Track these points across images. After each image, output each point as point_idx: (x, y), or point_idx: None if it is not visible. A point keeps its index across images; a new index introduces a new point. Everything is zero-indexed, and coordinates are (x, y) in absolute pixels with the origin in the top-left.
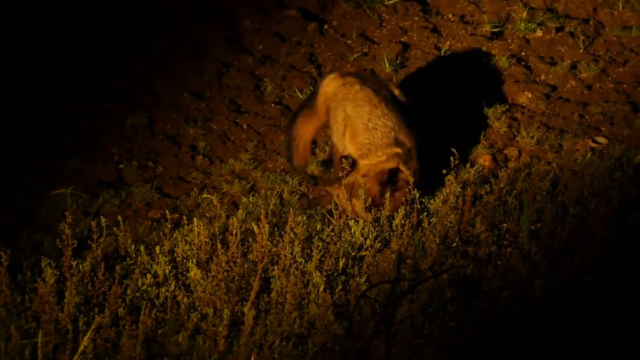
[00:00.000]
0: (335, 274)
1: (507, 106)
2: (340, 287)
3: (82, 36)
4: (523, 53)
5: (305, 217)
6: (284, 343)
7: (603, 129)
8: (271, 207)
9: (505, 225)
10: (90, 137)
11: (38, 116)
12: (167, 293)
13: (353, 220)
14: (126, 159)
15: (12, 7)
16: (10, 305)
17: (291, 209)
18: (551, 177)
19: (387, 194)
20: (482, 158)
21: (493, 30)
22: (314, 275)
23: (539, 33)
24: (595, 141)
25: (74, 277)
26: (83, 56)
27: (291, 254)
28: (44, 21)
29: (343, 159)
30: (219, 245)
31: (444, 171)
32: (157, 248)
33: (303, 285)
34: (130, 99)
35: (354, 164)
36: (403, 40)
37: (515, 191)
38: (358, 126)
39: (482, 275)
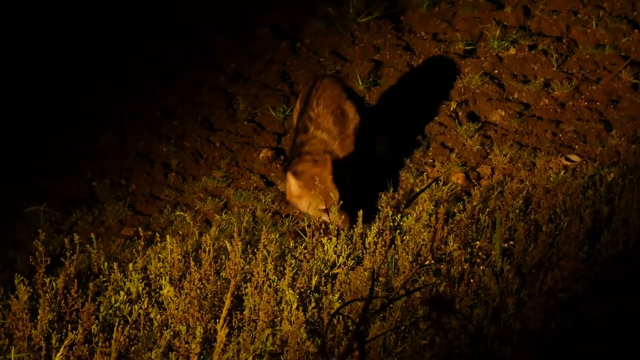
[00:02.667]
0: (308, 291)
1: (480, 124)
2: (313, 304)
3: (54, 56)
4: (496, 71)
5: (278, 235)
6: None
7: (576, 147)
8: (244, 224)
9: (477, 243)
10: (63, 154)
11: (9, 134)
12: (140, 310)
13: (326, 238)
14: (98, 177)
15: None
16: None
17: (264, 226)
18: (524, 195)
19: None
20: (455, 176)
21: (466, 48)
22: (286, 292)
23: (512, 51)
24: (568, 159)
25: (47, 294)
26: (54, 75)
27: (264, 271)
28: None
29: None
30: (192, 263)
31: (417, 189)
32: (130, 265)
33: (276, 302)
34: (102, 117)
35: None
36: (376, 58)
37: (488, 209)
38: None
39: (455, 293)
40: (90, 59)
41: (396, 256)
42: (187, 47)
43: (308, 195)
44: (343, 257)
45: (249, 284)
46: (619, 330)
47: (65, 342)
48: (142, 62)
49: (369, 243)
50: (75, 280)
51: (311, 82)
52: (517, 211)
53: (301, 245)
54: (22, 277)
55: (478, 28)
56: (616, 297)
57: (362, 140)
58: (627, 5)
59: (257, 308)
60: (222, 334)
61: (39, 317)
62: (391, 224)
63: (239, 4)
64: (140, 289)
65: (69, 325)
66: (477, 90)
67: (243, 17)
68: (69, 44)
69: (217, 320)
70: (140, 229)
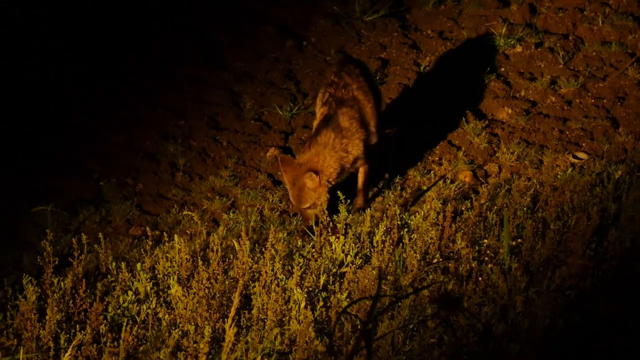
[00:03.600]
0: (316, 290)
1: (487, 122)
2: (321, 303)
3: (60, 56)
4: (502, 69)
5: (286, 234)
6: None
7: (583, 144)
8: (252, 223)
9: (485, 241)
10: (70, 154)
11: (17, 134)
12: (148, 310)
13: (334, 237)
14: (106, 177)
15: None
16: None
17: (272, 225)
18: (531, 192)
19: None
20: (463, 174)
21: (472, 46)
22: (295, 291)
23: (519, 48)
24: (575, 157)
25: (55, 295)
26: (61, 75)
27: (272, 270)
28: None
29: None
30: (200, 262)
31: (424, 188)
32: (138, 265)
33: (284, 301)
34: (109, 117)
35: None
36: (382, 56)
37: (495, 207)
38: None
39: (463, 291)
40: (95, 59)
41: (404, 254)
42: (193, 47)
43: None
44: (351, 256)
45: (257, 283)
46: (626, 327)
47: (74, 342)
48: (148, 61)
49: (377, 241)
50: (84, 280)
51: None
52: (524, 209)
53: (309, 244)
54: (30, 278)
55: (484, 26)
56: (624, 295)
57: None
58: (633, 2)
59: (265, 307)
60: (230, 334)
61: (47, 318)
62: (399, 222)
63: (244, 2)
64: (149, 288)
65: (78, 326)
66: (483, 88)
67: (249, 16)
68: (75, 45)
69: (226, 319)
70: (148, 229)
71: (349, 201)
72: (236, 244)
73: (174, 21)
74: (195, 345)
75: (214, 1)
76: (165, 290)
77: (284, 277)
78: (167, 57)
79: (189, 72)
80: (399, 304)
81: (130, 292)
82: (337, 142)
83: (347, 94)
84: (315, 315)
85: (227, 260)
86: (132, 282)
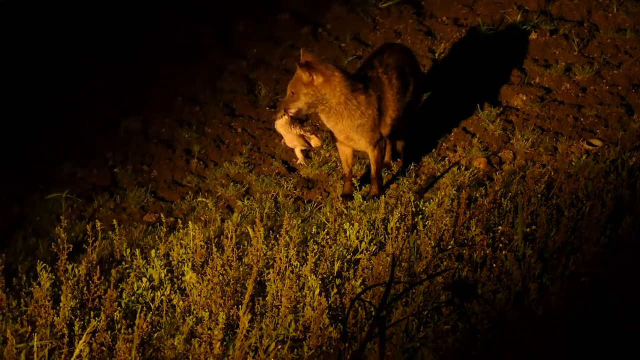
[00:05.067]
0: (331, 277)
1: (501, 109)
2: (335, 290)
3: (75, 41)
4: (517, 56)
5: (300, 220)
6: (279, 346)
7: (598, 131)
8: (266, 210)
9: (500, 228)
10: (85, 141)
11: (32, 120)
12: (162, 297)
13: (348, 223)
14: (120, 163)
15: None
16: (6, 309)
17: (286, 212)
18: (546, 179)
19: None
20: (477, 161)
21: (487, 32)
22: (309, 278)
23: (534, 35)
24: (590, 143)
25: (69, 281)
26: (76, 60)
27: (286, 257)
28: (36, 25)
29: None
30: (214, 249)
31: (439, 174)
32: (153, 252)
33: (298, 288)
34: (124, 103)
35: None
36: (397, 42)
37: (510, 194)
38: None
39: (477, 278)
40: (110, 45)
41: (418, 241)
42: (208, 33)
43: None
44: (365, 242)
45: (271, 270)
46: None
47: (88, 329)
48: (163, 47)
49: (391, 228)
50: (98, 267)
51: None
52: (539, 196)
53: (323, 230)
54: (44, 264)
55: (499, 13)
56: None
57: None
58: None
59: (279, 294)
60: (244, 320)
61: (61, 304)
62: (413, 209)
63: None
64: (163, 275)
65: (92, 312)
66: (498, 75)
67: (266, 3)
68: (89, 31)
69: (240, 306)
70: (162, 215)
71: (363, 188)
72: (250, 231)
73: (192, 9)
74: (209, 331)
75: None
76: (180, 277)
77: (298, 263)
78: (181, 43)
79: (205, 59)
80: (413, 290)
81: (144, 279)
82: (350, 97)
83: (373, 75)
84: (330, 302)
85: (241, 247)
86: (147, 269)
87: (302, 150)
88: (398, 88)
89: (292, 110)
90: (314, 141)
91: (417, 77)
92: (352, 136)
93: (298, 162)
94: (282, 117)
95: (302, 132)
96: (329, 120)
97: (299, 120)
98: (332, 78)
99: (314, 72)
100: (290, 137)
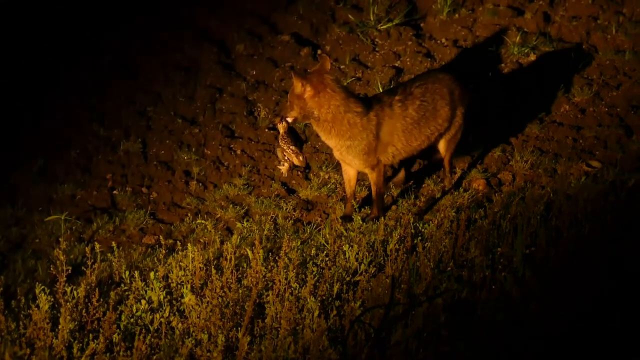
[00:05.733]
0: (330, 299)
1: (500, 130)
2: (334, 312)
3: (77, 60)
4: (516, 77)
5: (299, 242)
6: None
7: (597, 152)
8: (265, 232)
9: (499, 249)
10: (84, 162)
11: (32, 141)
12: (161, 319)
13: (347, 245)
14: (120, 185)
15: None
16: (5, 332)
17: (285, 234)
18: (545, 201)
19: None
20: (476, 182)
21: (486, 54)
22: (308, 300)
23: (532, 57)
24: (589, 165)
25: (68, 303)
26: (76, 80)
27: (285, 279)
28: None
29: None
30: (214, 271)
31: (438, 196)
32: (152, 274)
33: (297, 310)
34: (124, 125)
35: None
36: (396, 64)
37: (509, 215)
38: None
39: (477, 299)
40: (109, 64)
41: (417, 263)
42: (207, 53)
43: None
44: (364, 264)
45: (270, 292)
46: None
47: (87, 352)
48: (167, 70)
49: (391, 250)
50: (97, 289)
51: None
52: (538, 217)
53: (323, 252)
54: (43, 287)
55: (498, 34)
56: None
57: None
58: None
59: (278, 316)
60: (243, 342)
61: (60, 327)
62: (412, 230)
63: (260, 10)
64: (162, 297)
65: (90, 335)
66: (497, 96)
67: (268, 25)
68: (87, 48)
69: (239, 328)
70: (161, 237)
71: (363, 210)
72: (250, 253)
73: (195, 32)
74: (208, 354)
75: (230, 8)
76: (179, 299)
77: (298, 285)
78: (181, 64)
79: (205, 80)
80: (413, 312)
81: (143, 301)
82: (340, 116)
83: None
84: (329, 324)
85: (240, 269)
86: (146, 291)
87: (290, 164)
88: (415, 120)
89: (289, 119)
90: (296, 160)
91: (458, 114)
92: (345, 156)
93: (281, 170)
94: (279, 123)
95: (285, 148)
96: (321, 135)
97: (292, 137)
98: (323, 93)
99: (307, 83)
100: (280, 148)
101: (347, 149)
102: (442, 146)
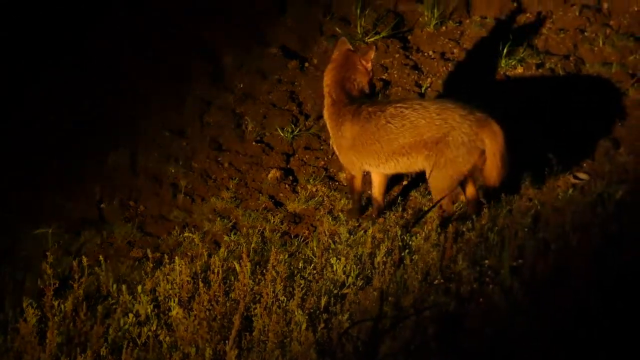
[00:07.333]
0: (318, 311)
1: None
2: (322, 325)
3: (67, 71)
4: (503, 89)
5: (287, 255)
6: None
7: (584, 164)
8: (253, 245)
9: (487, 261)
10: (72, 174)
11: (20, 153)
12: (149, 332)
13: (335, 258)
14: (107, 198)
15: None
16: None
17: (273, 247)
18: (532, 213)
19: None
20: (464, 195)
21: (474, 66)
22: (296, 313)
23: (520, 69)
24: (576, 177)
25: (55, 317)
26: (65, 92)
27: (273, 292)
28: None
29: None
30: (201, 284)
31: (426, 208)
32: (139, 287)
33: (285, 323)
34: (112, 137)
35: None
36: (384, 77)
37: (496, 227)
38: None
39: (465, 312)
40: (98, 77)
41: (405, 275)
42: (195, 66)
43: None
44: (352, 277)
45: (258, 305)
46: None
47: None
48: (151, 80)
49: (378, 263)
50: (84, 302)
51: None
52: (525, 229)
53: (310, 265)
54: (30, 300)
55: (485, 46)
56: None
57: None
58: (634, 23)
59: (266, 329)
60: (231, 355)
61: (47, 340)
62: (400, 243)
63: (248, 22)
64: (149, 310)
65: (78, 348)
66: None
67: (256, 38)
68: (77, 61)
69: (226, 341)
70: (149, 251)
71: (349, 222)
72: (237, 266)
73: (185, 42)
74: None
75: (218, 20)
76: (166, 312)
77: (285, 298)
78: (169, 76)
79: (193, 93)
80: (401, 325)
81: (131, 315)
82: (328, 109)
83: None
84: (317, 337)
85: (228, 282)
86: (133, 304)
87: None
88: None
89: None
90: None
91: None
92: None
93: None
94: None
95: None
96: None
97: None
98: (323, 79)
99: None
100: None
101: (334, 143)
102: None
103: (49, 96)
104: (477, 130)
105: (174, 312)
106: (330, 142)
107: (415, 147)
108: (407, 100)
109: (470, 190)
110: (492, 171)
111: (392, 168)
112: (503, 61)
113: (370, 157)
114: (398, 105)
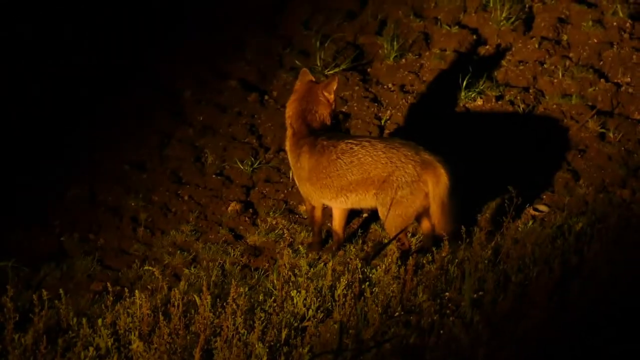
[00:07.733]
0: (278, 344)
1: None
2: (283, 358)
3: (25, 105)
4: (463, 122)
5: (247, 288)
6: None
7: (544, 196)
8: (213, 278)
9: (447, 294)
10: (31, 208)
11: None
12: None
13: (295, 291)
14: (67, 231)
15: None
16: None
17: (233, 280)
18: (492, 245)
19: None
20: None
21: (433, 99)
22: (256, 346)
23: (479, 102)
24: (536, 209)
25: (16, 351)
26: (23, 126)
27: (234, 325)
28: None
29: None
30: (161, 317)
31: (386, 241)
32: (99, 321)
33: (246, 356)
34: (71, 170)
35: None
36: (343, 110)
37: (457, 260)
38: None
39: (425, 344)
40: (58, 111)
41: (365, 308)
42: (155, 99)
43: None
44: (312, 310)
45: (218, 338)
46: None
47: None
48: (110, 113)
49: (339, 295)
50: (45, 336)
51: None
52: (486, 262)
53: (270, 298)
54: None
55: (445, 79)
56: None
57: None
58: (593, 54)
59: None
60: None
61: None
62: (360, 276)
63: (207, 55)
64: (110, 344)
65: None
66: (444, 141)
67: (215, 71)
68: (39, 98)
69: None
70: (109, 284)
71: (309, 255)
72: (197, 299)
73: (145, 76)
74: None
75: (178, 54)
76: (127, 345)
77: (246, 331)
78: (128, 110)
79: (153, 126)
80: (361, 357)
81: (91, 348)
82: (288, 139)
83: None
84: None
85: (188, 315)
86: (94, 338)
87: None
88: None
89: None
90: None
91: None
92: None
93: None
94: None
95: None
96: None
97: None
98: (285, 110)
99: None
100: None
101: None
102: None
103: (8, 132)
104: (421, 172)
105: (134, 346)
106: (291, 173)
107: (363, 184)
108: (359, 137)
109: (425, 224)
110: (435, 215)
111: (343, 203)
112: (462, 93)
113: (324, 191)
114: (349, 141)
